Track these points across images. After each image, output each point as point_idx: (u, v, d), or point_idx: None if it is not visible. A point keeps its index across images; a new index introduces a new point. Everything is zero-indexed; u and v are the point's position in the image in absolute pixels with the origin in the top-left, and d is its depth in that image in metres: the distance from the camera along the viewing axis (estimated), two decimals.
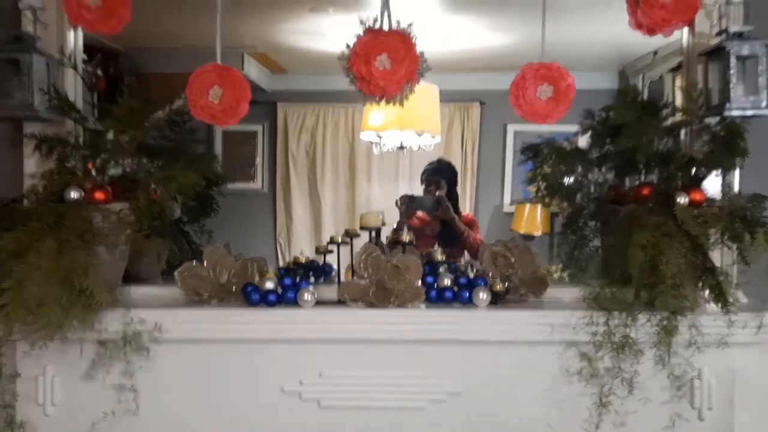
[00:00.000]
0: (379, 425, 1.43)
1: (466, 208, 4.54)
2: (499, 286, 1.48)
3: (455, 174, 3.47)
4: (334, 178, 4.67)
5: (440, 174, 3.30)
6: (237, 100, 1.52)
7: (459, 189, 4.60)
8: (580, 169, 1.61)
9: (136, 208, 1.48)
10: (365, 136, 3.29)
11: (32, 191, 1.51)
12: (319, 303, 1.45)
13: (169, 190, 1.52)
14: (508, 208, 4.66)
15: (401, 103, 1.45)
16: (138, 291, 1.57)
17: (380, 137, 3.40)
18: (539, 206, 4.49)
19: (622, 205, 1.57)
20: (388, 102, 1.45)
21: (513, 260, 1.55)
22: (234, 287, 1.54)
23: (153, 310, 1.41)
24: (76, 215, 1.43)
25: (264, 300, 1.46)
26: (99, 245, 1.45)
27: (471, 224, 3.17)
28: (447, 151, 4.58)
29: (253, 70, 3.30)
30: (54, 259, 1.35)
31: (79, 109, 1.57)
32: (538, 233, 4.34)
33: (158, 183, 1.52)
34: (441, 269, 1.54)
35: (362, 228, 1.58)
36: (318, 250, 1.74)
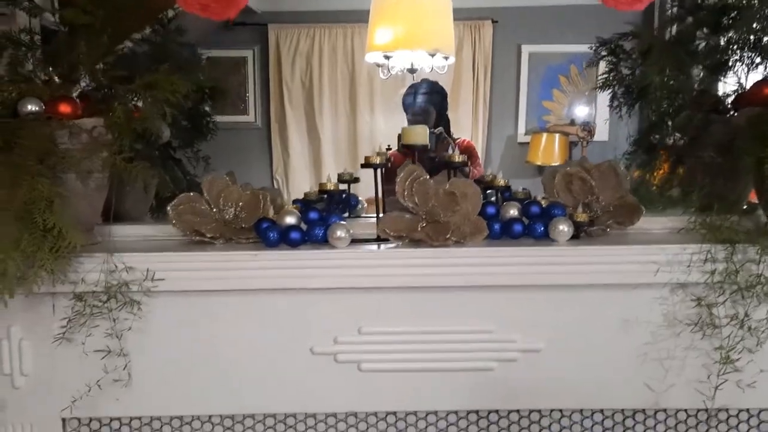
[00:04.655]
0: (435, 392, 1.15)
1: (477, 140, 4.21)
2: (582, 216, 1.17)
3: (444, 97, 3.02)
4: (333, 110, 4.29)
5: (428, 100, 2.90)
6: None
7: (470, 119, 4.28)
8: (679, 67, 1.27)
9: (113, 124, 1.13)
10: (371, 57, 2.87)
11: None
12: (354, 242, 1.14)
13: (155, 101, 1.17)
14: (522, 138, 4.34)
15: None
16: (122, 231, 1.25)
17: (388, 58, 2.96)
18: (557, 135, 4.18)
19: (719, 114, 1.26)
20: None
21: (593, 184, 1.24)
22: (243, 224, 1.22)
23: (143, 254, 1.09)
24: (34, 133, 1.09)
25: (285, 239, 1.14)
26: (67, 172, 1.11)
27: (470, 153, 2.75)
28: (456, 77, 4.19)
29: None
30: (7, 189, 1.02)
31: None
32: (556, 164, 4.04)
33: (137, 92, 1.18)
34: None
35: (405, 146, 1.25)
36: (341, 178, 1.42)
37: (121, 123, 1.14)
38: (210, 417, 1.17)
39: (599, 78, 1.41)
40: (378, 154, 1.22)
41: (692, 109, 1.30)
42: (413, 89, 2.98)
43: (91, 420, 1.16)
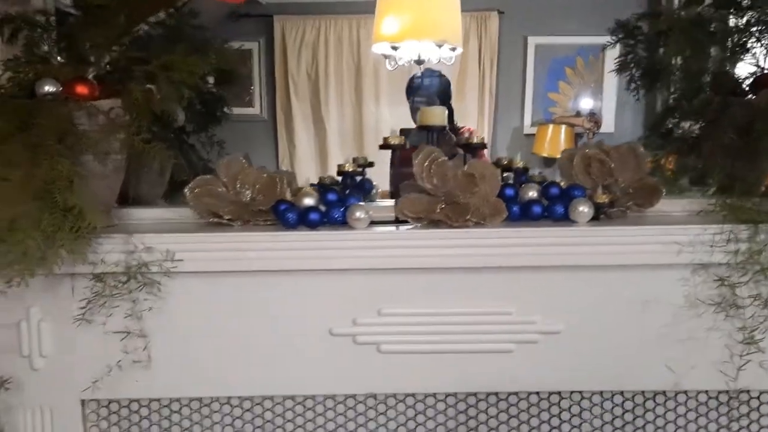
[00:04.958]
0: (455, 373, 1.14)
1: (484, 132, 4.20)
2: (602, 197, 1.16)
3: (448, 86, 3.01)
4: (339, 101, 4.28)
5: (432, 91, 2.88)
6: None
7: (476, 111, 4.26)
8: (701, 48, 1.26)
9: (131, 105, 1.13)
10: (378, 48, 2.85)
11: None
12: (372, 224, 1.14)
13: (172, 82, 1.17)
14: (528, 129, 4.33)
15: None
16: (138, 214, 1.25)
17: (395, 49, 2.94)
18: (563, 127, 4.17)
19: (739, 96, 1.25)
20: None
21: (612, 166, 1.23)
22: (261, 206, 1.22)
23: (163, 235, 1.08)
24: (52, 113, 1.08)
25: (303, 220, 1.13)
26: (85, 153, 1.11)
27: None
28: (462, 69, 4.18)
29: None
30: (27, 168, 1.02)
31: None
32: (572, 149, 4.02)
33: (154, 74, 1.17)
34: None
35: (422, 127, 1.24)
36: (356, 163, 1.42)
37: (140, 104, 1.13)
38: (229, 399, 1.17)
39: (616, 60, 1.41)
40: (395, 136, 1.22)
41: (711, 92, 1.30)
42: (416, 79, 2.97)
43: (110, 402, 1.16)
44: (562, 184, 1.22)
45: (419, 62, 2.93)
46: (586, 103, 4.30)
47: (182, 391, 1.15)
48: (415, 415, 1.18)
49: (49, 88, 1.12)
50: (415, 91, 2.72)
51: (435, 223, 1.14)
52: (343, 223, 1.14)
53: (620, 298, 1.12)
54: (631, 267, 1.10)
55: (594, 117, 4.16)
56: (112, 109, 1.15)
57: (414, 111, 2.80)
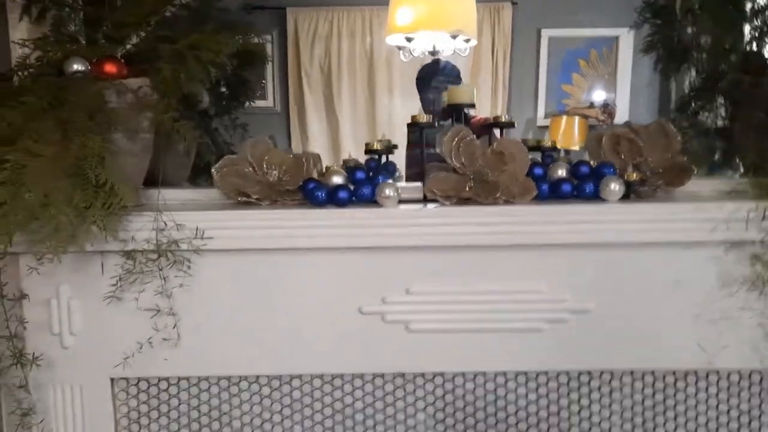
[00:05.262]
0: (484, 352, 1.14)
1: None
2: (633, 175, 1.15)
3: (459, 77, 2.99)
4: (352, 93, 4.27)
5: (455, 73, 2.85)
6: None
7: (489, 103, 4.24)
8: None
9: (160, 83, 1.13)
10: (392, 39, 2.85)
11: (23, 65, 1.15)
12: (400, 204, 1.14)
13: (199, 61, 1.16)
14: (542, 121, 4.31)
15: None
16: (165, 195, 1.24)
17: (409, 41, 2.92)
18: (576, 118, 4.15)
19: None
20: None
21: (642, 145, 1.22)
22: (288, 186, 1.21)
23: (193, 213, 1.08)
24: (82, 91, 1.08)
25: (332, 198, 1.13)
26: (115, 131, 1.11)
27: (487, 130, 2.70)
28: (476, 61, 4.17)
29: None
30: (59, 145, 1.02)
31: None
32: (576, 148, 4.01)
33: (181, 53, 1.17)
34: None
35: (450, 105, 1.23)
36: (382, 143, 1.41)
37: (168, 82, 1.13)
38: (257, 377, 1.17)
39: (645, 39, 1.39)
40: (423, 114, 1.21)
41: (741, 71, 1.28)
42: (425, 69, 2.94)
43: (139, 380, 1.16)
44: (591, 162, 1.21)
45: (433, 53, 2.91)
46: (599, 95, 4.28)
47: (211, 369, 1.15)
48: (444, 395, 1.17)
49: (77, 67, 1.13)
50: (439, 73, 2.68)
51: (464, 202, 1.14)
52: (373, 201, 1.14)
53: (652, 277, 1.11)
54: (663, 245, 1.10)
55: (608, 108, 4.14)
56: (140, 87, 1.15)
57: (425, 101, 2.79)
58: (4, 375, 1.10)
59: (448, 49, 2.83)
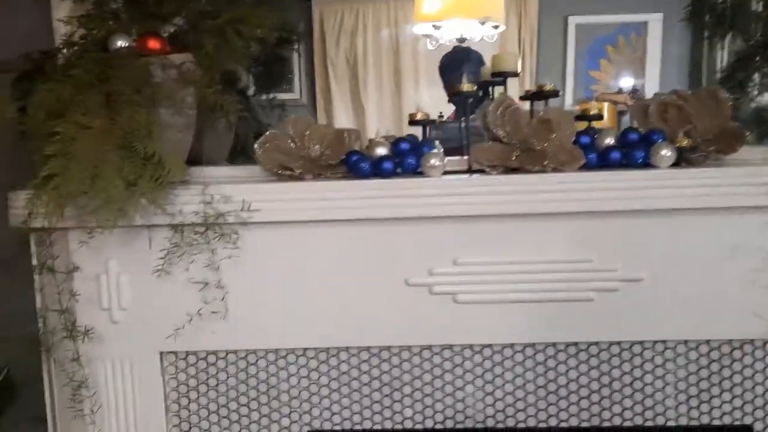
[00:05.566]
0: (533, 323, 1.12)
1: None
2: (685, 141, 1.13)
3: (479, 61, 2.93)
4: (378, 85, 4.27)
5: (463, 65, 2.80)
6: None
7: (516, 90, 4.20)
8: None
9: (203, 58, 1.13)
10: (419, 28, 2.83)
11: (68, 42, 1.16)
12: (445, 174, 1.12)
13: (241, 36, 1.16)
14: (570, 108, 4.25)
15: None
16: (208, 172, 1.25)
17: (437, 29, 2.89)
18: (605, 104, 4.08)
19: None
20: None
21: (690, 112, 1.19)
22: (330, 161, 1.21)
23: (239, 185, 1.08)
24: (128, 65, 1.09)
25: (377, 169, 1.12)
26: (160, 105, 1.11)
27: None
28: (502, 49, 4.11)
29: None
30: (107, 117, 1.02)
31: None
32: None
33: (223, 29, 1.17)
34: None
35: (495, 74, 1.22)
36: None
37: (211, 57, 1.14)
38: (305, 350, 1.17)
39: (684, 9, 1.36)
40: (467, 84, 1.19)
41: None
42: (448, 56, 2.89)
43: (187, 354, 1.17)
44: (640, 130, 1.19)
45: (461, 41, 2.88)
46: (627, 81, 4.22)
47: (258, 342, 1.15)
48: (493, 367, 1.16)
49: (122, 43, 1.14)
50: (463, 59, 2.64)
51: (510, 172, 1.12)
52: (418, 172, 1.13)
53: (706, 244, 1.09)
54: (717, 210, 1.07)
55: (637, 94, 4.07)
56: (183, 63, 1.15)
57: (449, 88, 2.73)
58: (57, 348, 1.11)
59: (476, 36, 2.79)
